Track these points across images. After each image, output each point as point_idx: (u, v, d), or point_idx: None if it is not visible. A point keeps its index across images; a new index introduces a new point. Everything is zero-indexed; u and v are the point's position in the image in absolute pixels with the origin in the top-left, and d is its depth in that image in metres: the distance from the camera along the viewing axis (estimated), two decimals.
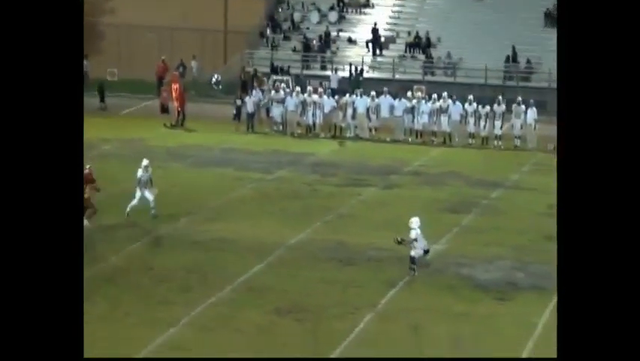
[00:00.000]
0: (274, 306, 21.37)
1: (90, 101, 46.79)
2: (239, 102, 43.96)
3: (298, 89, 44.37)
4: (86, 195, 25.84)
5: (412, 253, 23.65)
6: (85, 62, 49.86)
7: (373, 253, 25.42)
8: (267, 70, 51.90)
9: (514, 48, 50.55)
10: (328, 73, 51.61)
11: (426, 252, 24.06)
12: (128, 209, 27.77)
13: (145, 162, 28.21)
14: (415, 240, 23.67)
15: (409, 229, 23.72)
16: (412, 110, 41.95)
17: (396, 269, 24.03)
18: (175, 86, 44.43)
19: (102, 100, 48.53)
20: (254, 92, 44.37)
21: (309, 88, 44.15)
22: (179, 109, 44.25)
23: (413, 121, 42.00)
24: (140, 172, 27.97)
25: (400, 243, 23.86)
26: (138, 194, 27.91)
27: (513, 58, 50.68)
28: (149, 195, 27.82)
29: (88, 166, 26.79)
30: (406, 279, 23.36)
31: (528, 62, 50.52)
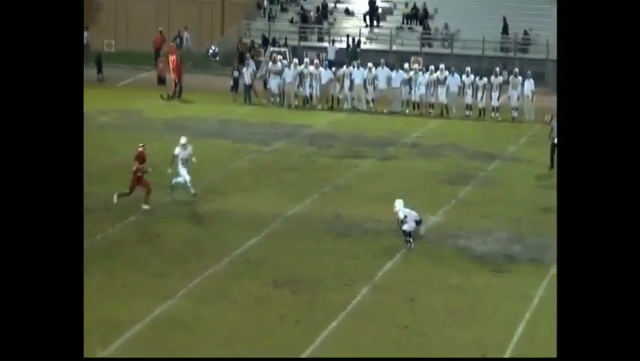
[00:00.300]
0: (271, 278, 21.38)
1: (88, 72, 46.90)
2: (236, 74, 43.89)
3: (296, 60, 44.28)
4: (139, 174, 26.01)
5: (405, 227, 23.71)
6: (85, 34, 49.96)
7: (370, 225, 25.42)
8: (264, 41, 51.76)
9: (505, 19, 50.35)
10: (325, 44, 51.49)
11: (418, 223, 24.09)
12: (172, 183, 27.31)
13: (183, 139, 27.75)
14: (405, 217, 23.76)
15: (395, 212, 23.88)
16: (409, 82, 41.90)
17: (393, 241, 24.03)
18: (172, 58, 44.32)
19: (100, 71, 48.48)
20: (250, 63, 44.26)
21: (306, 60, 44.05)
22: (177, 80, 44.20)
23: (410, 93, 41.97)
24: (177, 150, 27.45)
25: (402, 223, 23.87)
26: (184, 171, 27.26)
27: (504, 29, 50.51)
28: (186, 175, 27.28)
29: (142, 145, 26.75)
30: (403, 251, 23.37)
31: (525, 33, 50.36)
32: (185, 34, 54.24)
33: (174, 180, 27.36)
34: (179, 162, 27.36)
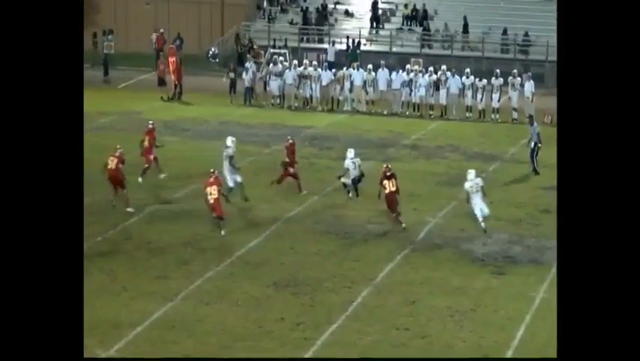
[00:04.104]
0: (271, 280, 21.41)
1: (95, 74, 47.21)
2: (232, 75, 43.81)
3: (295, 62, 44.24)
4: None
5: (343, 180, 26.99)
6: (110, 37, 50.24)
7: (371, 227, 25.42)
8: (264, 42, 51.72)
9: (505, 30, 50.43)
10: (325, 46, 51.45)
11: (358, 180, 27.41)
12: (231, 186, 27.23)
13: (229, 140, 28.06)
14: (348, 169, 27.25)
15: (345, 158, 27.36)
16: (409, 84, 41.86)
17: (394, 243, 24.05)
18: (172, 60, 44.29)
19: (106, 73, 48.66)
20: (249, 64, 44.18)
21: (306, 61, 44.01)
22: (177, 82, 44.17)
23: (410, 94, 41.93)
24: (230, 151, 27.71)
25: (340, 177, 27.59)
26: (234, 177, 27.31)
27: (504, 31, 50.54)
28: (237, 177, 27.37)
29: (152, 122, 28.80)
30: (404, 253, 23.37)
31: (526, 34, 50.35)
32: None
33: (230, 185, 27.27)
34: (228, 165, 27.43)
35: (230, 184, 27.21)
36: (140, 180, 28.64)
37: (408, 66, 43.04)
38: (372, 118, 41.16)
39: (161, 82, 44.69)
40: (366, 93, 42.36)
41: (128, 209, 26.18)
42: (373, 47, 52.09)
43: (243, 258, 22.97)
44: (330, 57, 49.14)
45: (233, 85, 43.78)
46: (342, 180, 26.89)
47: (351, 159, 27.65)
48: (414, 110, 42.01)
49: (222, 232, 24.47)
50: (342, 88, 42.44)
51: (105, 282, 21.15)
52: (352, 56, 48.35)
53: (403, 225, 25.26)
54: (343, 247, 23.87)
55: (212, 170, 25.47)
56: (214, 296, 20.47)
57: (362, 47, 51.20)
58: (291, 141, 28.99)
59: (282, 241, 24.31)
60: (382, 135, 37.39)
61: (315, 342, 18.31)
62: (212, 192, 24.71)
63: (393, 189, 25.49)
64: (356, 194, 27.49)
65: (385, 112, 41.95)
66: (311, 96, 42.87)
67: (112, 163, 26.52)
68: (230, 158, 27.61)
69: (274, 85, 43.16)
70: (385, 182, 25.60)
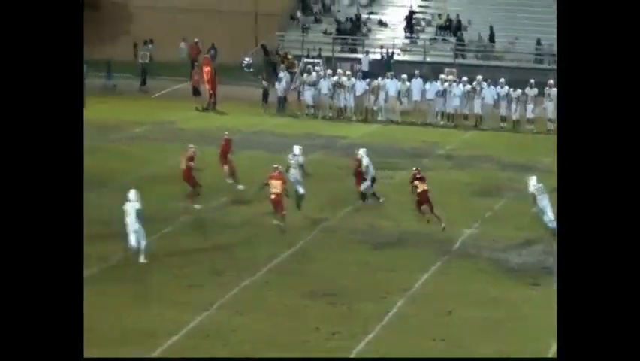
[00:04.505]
0: (307, 289, 21.36)
1: (133, 83, 47.60)
2: (265, 84, 43.94)
3: (329, 72, 44.27)
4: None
5: (362, 186, 27.26)
6: (150, 46, 50.67)
7: (405, 237, 25.35)
8: (298, 52, 51.77)
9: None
10: (359, 56, 51.43)
11: (373, 181, 27.64)
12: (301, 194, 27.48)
13: (297, 149, 28.27)
14: (367, 167, 27.15)
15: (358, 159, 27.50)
16: (443, 93, 41.77)
17: (429, 253, 23.97)
18: (207, 69, 44.41)
19: (144, 83, 48.94)
20: (282, 74, 44.21)
21: (340, 71, 44.00)
22: (211, 92, 44.28)
23: (445, 104, 41.83)
24: (300, 159, 27.94)
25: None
26: (298, 187, 27.44)
27: (537, 41, 50.38)
28: (300, 188, 27.52)
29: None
30: (439, 263, 23.28)
31: None
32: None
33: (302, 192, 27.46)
34: (295, 172, 27.47)
35: (302, 191, 27.41)
36: (240, 187, 29.15)
37: (442, 76, 42.97)
38: (406, 128, 41.12)
39: (196, 92, 44.82)
40: (400, 103, 42.34)
41: (195, 206, 26.98)
42: (407, 57, 52.06)
43: (279, 267, 22.95)
44: (364, 67, 49.14)
45: (265, 95, 43.88)
46: (361, 186, 27.42)
47: (365, 158, 27.95)
48: (448, 120, 41.93)
49: (275, 221, 25.40)
50: (376, 98, 42.42)
51: (140, 291, 21.16)
52: (386, 66, 48.33)
53: (443, 225, 25.45)
54: (378, 257, 23.80)
55: (275, 165, 25.97)
56: (249, 306, 20.43)
57: (396, 57, 51.20)
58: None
59: (318, 250, 24.28)
60: (416, 145, 37.31)
61: (350, 352, 18.25)
62: (276, 186, 25.30)
63: (426, 187, 25.87)
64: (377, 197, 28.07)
65: (419, 122, 41.88)
66: (345, 106, 42.89)
67: (182, 163, 27.31)
68: (301, 166, 27.78)
69: (308, 95, 43.20)
70: (417, 182, 25.97)
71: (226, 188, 29.28)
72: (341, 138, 38.46)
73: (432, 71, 46.21)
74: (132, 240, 22.79)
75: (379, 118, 42.44)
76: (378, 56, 50.99)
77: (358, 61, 50.25)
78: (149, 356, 17.90)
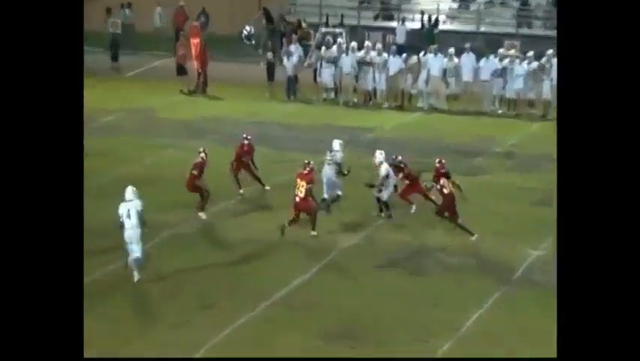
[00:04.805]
0: (322, 329, 21.30)
1: (102, 58, 47.80)
2: (270, 56, 43.85)
3: (354, 45, 44.14)
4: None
5: (383, 194, 27.35)
6: (127, 12, 50.84)
7: (451, 260, 25.28)
8: (315, 20, 51.79)
9: None
10: (394, 24, 51.47)
11: (395, 187, 27.89)
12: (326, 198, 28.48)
13: (336, 143, 29.08)
14: (387, 176, 27.38)
15: (377, 164, 27.57)
16: (502, 73, 41.66)
17: (483, 282, 23.94)
18: (195, 41, 44.52)
19: (115, 59, 49.16)
20: (294, 47, 44.12)
21: (368, 44, 43.93)
22: (200, 70, 44.30)
23: (504, 87, 41.72)
24: (338, 156, 28.83)
25: (371, 187, 27.69)
26: (335, 190, 28.52)
27: None
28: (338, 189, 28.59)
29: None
30: (496, 295, 23.13)
31: None
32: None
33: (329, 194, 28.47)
34: (329, 171, 28.46)
35: (326, 195, 28.31)
36: (241, 191, 29.89)
37: (500, 50, 42.87)
38: (453, 118, 41.22)
39: (181, 70, 44.91)
40: (447, 85, 42.32)
41: (200, 214, 27.67)
42: (456, 26, 52.11)
43: (286, 300, 22.86)
44: (400, 39, 49.25)
45: (271, 73, 43.81)
46: (383, 194, 27.71)
47: (384, 163, 28.08)
48: (508, 107, 41.83)
49: (286, 225, 26.46)
50: (415, 79, 42.35)
51: (104, 330, 21.00)
52: (428, 37, 48.27)
53: (474, 235, 26.02)
54: (416, 287, 23.72)
55: (306, 161, 26.94)
56: (248, 349, 20.35)
57: (441, 26, 51.23)
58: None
59: (336, 277, 24.22)
60: (467, 141, 37.25)
61: None
62: (300, 188, 26.37)
63: (453, 190, 26.50)
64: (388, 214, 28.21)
65: (471, 110, 41.82)
66: (374, 89, 42.84)
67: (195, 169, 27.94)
68: (338, 165, 28.64)
69: (327, 74, 43.25)
70: (443, 180, 26.39)
71: (224, 195, 29.18)
72: (368, 130, 38.51)
73: (487, 44, 46.13)
74: (136, 251, 23.51)
75: (419, 105, 42.51)
76: (417, 25, 51.00)
77: (392, 31, 50.32)
78: None
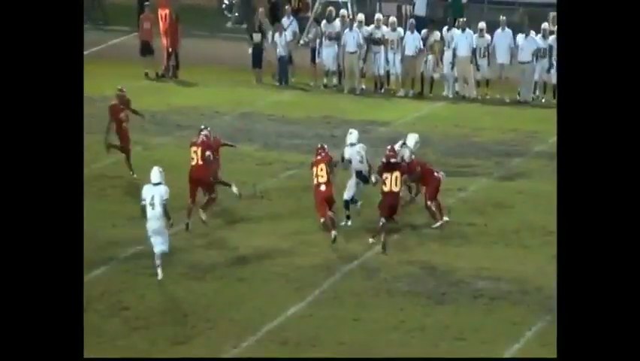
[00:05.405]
0: None
1: None
2: (257, 37, 43.75)
3: (362, 17, 44.20)
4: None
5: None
6: None
7: (484, 285, 25.42)
8: None
9: None
10: None
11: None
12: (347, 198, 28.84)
13: (353, 135, 29.58)
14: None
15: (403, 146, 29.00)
16: (546, 54, 41.71)
17: (520, 310, 24.08)
18: (163, 13, 44.42)
19: None
20: (286, 21, 44.17)
21: (379, 16, 44.00)
22: (170, 49, 44.27)
23: (549, 71, 41.74)
24: (360, 151, 29.26)
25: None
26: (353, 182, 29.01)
27: None
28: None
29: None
30: (538, 325, 23.30)
31: None
32: None
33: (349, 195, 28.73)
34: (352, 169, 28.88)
35: (347, 197, 28.71)
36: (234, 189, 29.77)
37: (544, 25, 42.82)
38: (485, 108, 41.28)
39: (146, 49, 44.89)
40: (477, 68, 42.34)
41: (202, 217, 28.08)
42: None
43: (278, 333, 23.05)
44: (419, 10, 49.06)
45: (258, 54, 43.76)
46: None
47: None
48: (553, 96, 41.85)
49: (333, 234, 27.18)
50: (437, 60, 42.39)
51: None
52: (455, 8, 48.26)
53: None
54: (439, 317, 23.91)
55: (320, 145, 27.72)
56: None
57: None
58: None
59: (339, 305, 24.42)
60: (502, 137, 37.37)
61: None
62: (320, 174, 26.99)
63: (396, 189, 26.84)
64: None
65: (508, 99, 41.96)
66: (387, 73, 42.92)
67: (195, 156, 28.19)
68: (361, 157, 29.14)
69: (328, 54, 43.20)
70: (386, 175, 26.91)
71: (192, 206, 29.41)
72: (380, 124, 38.62)
73: (528, 18, 46.21)
74: (160, 243, 24.83)
75: (444, 93, 42.52)
76: None
77: (409, 0, 50.30)
78: None
